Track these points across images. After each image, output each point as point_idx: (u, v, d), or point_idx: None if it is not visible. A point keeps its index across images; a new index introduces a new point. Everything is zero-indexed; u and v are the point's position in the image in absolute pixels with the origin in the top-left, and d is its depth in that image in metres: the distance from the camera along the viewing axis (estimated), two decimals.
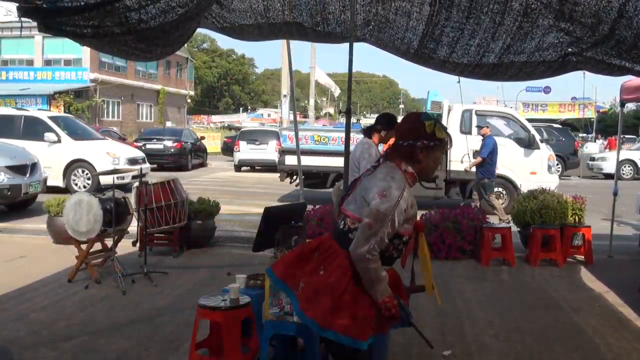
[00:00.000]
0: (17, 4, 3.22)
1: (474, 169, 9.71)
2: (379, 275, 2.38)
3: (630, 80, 7.36)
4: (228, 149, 24.92)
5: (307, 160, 11.30)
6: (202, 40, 75.51)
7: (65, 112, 25.87)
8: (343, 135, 10.71)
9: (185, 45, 20.18)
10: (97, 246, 5.95)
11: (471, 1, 4.09)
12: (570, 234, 7.28)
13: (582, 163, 21.54)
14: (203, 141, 24.38)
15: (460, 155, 11.02)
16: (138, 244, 6.50)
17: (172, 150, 20.34)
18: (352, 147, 5.29)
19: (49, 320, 4.61)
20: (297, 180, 12.28)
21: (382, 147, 5.15)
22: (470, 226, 7.14)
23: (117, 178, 11.30)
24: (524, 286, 6.11)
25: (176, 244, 6.93)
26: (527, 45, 4.39)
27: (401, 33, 4.77)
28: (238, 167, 20.92)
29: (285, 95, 27.75)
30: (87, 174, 12.53)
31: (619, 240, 8.06)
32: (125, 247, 6.54)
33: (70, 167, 12.63)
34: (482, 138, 9.96)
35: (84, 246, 5.72)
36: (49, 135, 12.60)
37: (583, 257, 7.27)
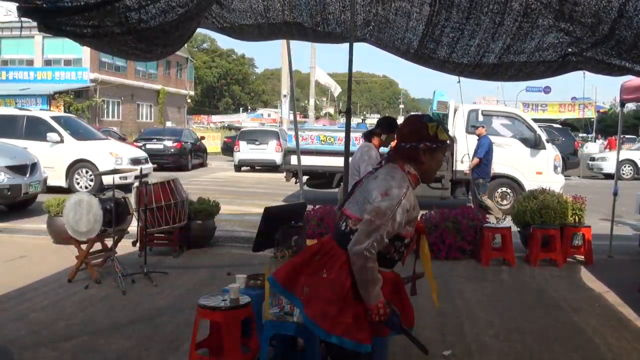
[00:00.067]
0: (17, 4, 3.22)
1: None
2: (375, 276, 2.35)
3: (630, 80, 7.36)
4: (228, 149, 24.92)
5: (313, 161, 11.33)
6: (202, 40, 75.54)
7: (65, 112, 25.86)
8: (351, 135, 10.78)
9: (185, 45, 20.17)
10: (97, 246, 5.95)
11: (471, 1, 4.09)
12: (570, 234, 7.28)
13: (582, 163, 21.54)
14: (203, 141, 24.39)
15: (461, 156, 11.06)
16: (138, 244, 6.50)
17: (172, 150, 20.34)
18: (352, 148, 5.29)
19: (49, 320, 4.61)
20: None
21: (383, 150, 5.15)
22: (470, 226, 7.14)
23: (120, 178, 11.35)
24: (524, 286, 6.11)
25: (176, 244, 6.93)
26: (527, 46, 4.39)
27: (401, 33, 4.77)
28: (238, 167, 20.92)
29: (285, 95, 27.77)
30: (89, 174, 12.54)
31: (619, 240, 8.06)
32: (125, 247, 6.55)
33: (73, 167, 12.64)
34: (477, 138, 9.97)
35: (84, 246, 5.72)
36: (51, 135, 12.61)
37: (583, 257, 7.27)
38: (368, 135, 5.35)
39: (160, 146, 20.28)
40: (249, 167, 21.23)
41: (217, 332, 3.50)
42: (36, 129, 12.71)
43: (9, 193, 9.26)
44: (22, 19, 3.26)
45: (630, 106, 42.15)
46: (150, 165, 13.91)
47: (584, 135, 41.31)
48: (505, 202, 11.20)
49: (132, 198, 6.32)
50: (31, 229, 8.42)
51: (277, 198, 12.48)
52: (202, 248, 7.29)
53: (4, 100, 27.13)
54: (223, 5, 4.61)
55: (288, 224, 3.62)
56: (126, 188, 10.05)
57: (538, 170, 11.20)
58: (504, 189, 11.20)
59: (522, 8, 4.03)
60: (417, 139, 2.48)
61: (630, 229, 9.72)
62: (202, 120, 60.67)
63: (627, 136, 32.20)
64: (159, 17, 3.85)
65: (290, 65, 8.21)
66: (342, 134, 11.59)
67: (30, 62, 33.95)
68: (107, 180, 11.17)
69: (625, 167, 20.62)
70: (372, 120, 46.60)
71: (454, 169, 11.23)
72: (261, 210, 3.76)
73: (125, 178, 11.72)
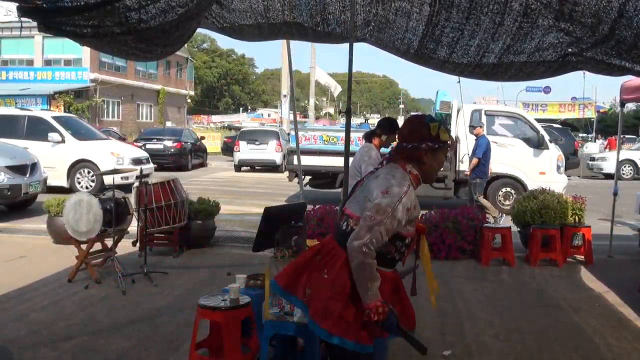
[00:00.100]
0: (17, 4, 3.22)
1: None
2: (373, 273, 2.32)
3: (630, 80, 7.36)
4: (228, 149, 24.93)
5: (316, 161, 11.36)
6: (202, 40, 75.55)
7: (65, 112, 25.87)
8: (353, 135, 10.80)
9: (185, 45, 20.18)
10: (97, 246, 5.95)
11: (471, 2, 4.08)
12: (570, 234, 7.28)
13: (582, 163, 21.54)
14: (203, 141, 24.39)
15: (461, 156, 11.07)
16: (138, 244, 6.50)
17: (172, 150, 20.35)
18: (355, 148, 5.31)
19: (49, 320, 4.61)
20: (305, 180, 12.32)
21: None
22: (470, 226, 7.14)
23: (122, 178, 11.35)
24: (524, 286, 6.11)
25: (176, 244, 6.93)
26: (527, 46, 4.39)
27: (401, 33, 4.76)
28: (238, 167, 20.92)
29: (285, 95, 27.78)
30: (91, 174, 12.54)
31: (619, 240, 8.06)
32: (125, 247, 6.55)
33: (74, 168, 12.64)
34: (475, 138, 9.97)
35: (84, 246, 5.72)
36: (52, 136, 12.61)
37: (583, 257, 7.27)
38: (369, 136, 5.37)
39: (160, 146, 20.28)
40: (249, 167, 21.23)
41: (217, 332, 3.50)
42: (37, 129, 12.71)
43: (9, 193, 9.26)
44: (22, 19, 3.26)
45: (630, 106, 42.18)
46: (151, 165, 13.92)
47: (584, 135, 41.32)
48: (508, 202, 11.19)
49: (132, 198, 6.32)
50: (31, 229, 8.42)
51: (277, 198, 12.48)
52: (202, 248, 7.29)
53: (4, 100, 27.15)
54: (223, 5, 4.61)
55: (288, 224, 3.62)
56: (126, 188, 10.06)
57: (541, 171, 11.20)
58: (507, 189, 11.20)
59: (522, 8, 4.02)
60: (419, 139, 2.48)
61: (628, 228, 9.71)
62: (202, 120, 60.66)
63: (627, 136, 32.20)
64: (159, 17, 3.85)
65: (290, 65, 8.20)
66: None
67: (30, 62, 33.95)
68: (108, 180, 11.17)
69: (625, 167, 20.63)
70: (373, 120, 46.59)
71: (457, 169, 11.23)
72: (261, 210, 3.76)
73: (127, 178, 11.72)
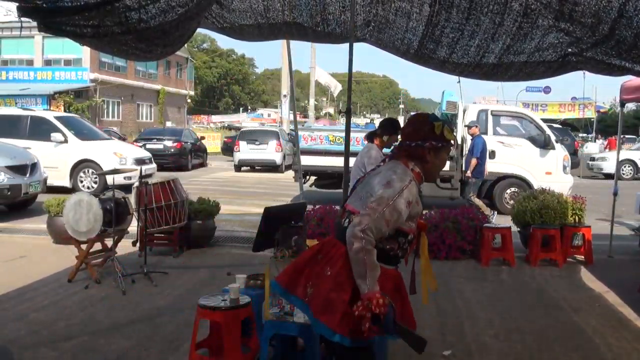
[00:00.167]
0: (17, 4, 3.22)
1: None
2: (372, 261, 2.27)
3: (630, 80, 7.36)
4: (228, 149, 24.93)
5: (322, 161, 11.36)
6: (202, 40, 75.54)
7: (65, 112, 25.87)
8: (358, 135, 10.83)
9: (185, 45, 20.18)
10: (97, 246, 5.95)
11: (471, 2, 4.09)
12: (570, 234, 7.28)
13: (582, 163, 21.54)
14: (203, 141, 24.39)
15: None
16: (138, 244, 6.50)
17: (172, 150, 20.34)
18: (358, 148, 5.32)
19: (49, 320, 4.61)
20: (310, 180, 12.32)
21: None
22: (470, 226, 7.14)
23: (125, 178, 11.36)
24: (524, 286, 6.11)
25: (176, 244, 6.93)
26: (527, 46, 4.39)
27: (401, 34, 4.77)
28: (238, 167, 20.92)
29: (285, 95, 27.79)
30: (94, 174, 12.55)
31: (619, 240, 8.07)
32: (125, 247, 6.55)
33: (77, 168, 12.64)
34: (471, 138, 9.96)
35: (84, 246, 5.72)
36: (55, 136, 12.61)
37: (583, 257, 7.27)
38: (370, 136, 5.41)
39: (160, 146, 20.28)
40: (249, 167, 21.23)
41: (217, 332, 3.50)
42: (40, 129, 12.71)
43: (9, 193, 9.26)
44: (22, 19, 3.26)
45: (630, 106, 42.18)
46: (153, 165, 13.93)
47: (584, 135, 41.31)
48: (514, 202, 11.21)
49: (132, 198, 6.32)
50: (31, 229, 8.42)
51: (277, 198, 12.48)
52: (202, 248, 7.29)
53: (4, 100, 27.15)
54: (223, 5, 4.61)
55: (288, 224, 3.62)
56: (127, 188, 10.06)
57: (547, 171, 11.18)
58: (513, 189, 11.19)
59: (522, 8, 4.03)
60: (423, 138, 2.48)
61: (626, 229, 9.70)
62: (202, 120, 60.64)
63: (627, 136, 32.20)
64: (159, 17, 3.85)
65: (290, 65, 8.21)
66: (352, 134, 11.58)
67: (30, 62, 33.95)
68: (112, 180, 11.18)
69: (625, 167, 20.63)
70: (377, 121, 46.60)
71: (463, 169, 11.25)
72: (261, 210, 3.76)
73: (130, 178, 11.72)
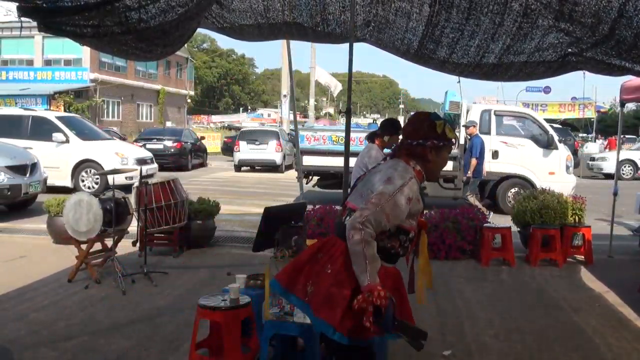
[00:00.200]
0: (17, 4, 3.22)
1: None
2: (372, 252, 2.25)
3: (630, 80, 7.36)
4: (228, 149, 24.93)
5: (326, 161, 11.37)
6: (202, 40, 75.56)
7: (65, 112, 25.88)
8: (361, 135, 10.83)
9: (185, 45, 20.18)
10: (97, 246, 5.95)
11: (471, 2, 4.09)
12: (570, 234, 7.28)
13: (582, 163, 21.54)
14: (203, 141, 24.39)
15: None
16: (138, 244, 6.50)
17: (172, 150, 20.34)
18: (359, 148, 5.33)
19: (49, 320, 4.61)
20: (313, 181, 12.32)
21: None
22: (470, 226, 7.14)
23: (126, 178, 11.36)
24: (524, 286, 6.11)
25: (176, 244, 6.93)
26: (527, 46, 4.39)
27: (401, 34, 4.77)
28: (238, 167, 20.92)
29: (285, 95, 27.79)
30: (95, 174, 12.55)
31: (619, 240, 8.07)
32: (125, 247, 6.55)
33: (79, 168, 12.64)
34: (469, 138, 9.95)
35: (84, 246, 5.72)
36: (57, 136, 12.60)
37: (583, 257, 7.27)
38: (371, 137, 5.43)
39: (160, 146, 20.27)
40: (249, 167, 21.23)
41: (217, 332, 3.50)
42: (41, 129, 12.71)
43: (9, 193, 9.26)
44: (22, 18, 3.26)
45: (630, 106, 42.19)
46: (155, 165, 13.94)
47: (584, 135, 41.33)
48: (514, 202, 11.22)
49: (132, 198, 6.32)
50: (31, 229, 8.42)
51: (277, 198, 12.47)
52: (202, 248, 7.29)
53: (4, 100, 27.14)
54: (223, 5, 4.61)
55: (288, 224, 3.62)
56: (128, 188, 10.07)
57: (551, 171, 11.18)
58: (516, 189, 11.19)
59: (522, 8, 4.03)
60: (424, 137, 2.47)
61: (624, 229, 9.69)
62: (202, 120, 60.64)
63: (627, 136, 32.22)
64: (159, 17, 3.85)
65: (290, 65, 8.22)
66: (355, 134, 11.53)
67: (30, 62, 33.95)
68: (115, 179, 11.15)
69: (625, 167, 20.63)
70: (369, 120, 46.60)
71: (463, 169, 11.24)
72: (261, 210, 3.76)
73: (132, 178, 11.72)
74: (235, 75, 79.89)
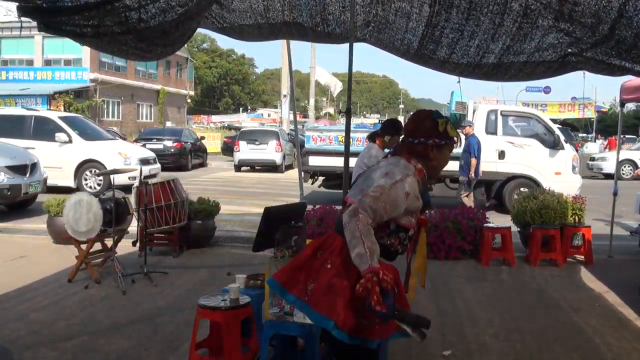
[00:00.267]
0: (17, 4, 3.22)
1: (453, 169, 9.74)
2: (371, 241, 2.20)
3: (630, 80, 7.36)
4: (228, 149, 24.93)
5: (332, 161, 11.34)
6: (202, 40, 75.56)
7: (65, 112, 25.88)
8: (366, 135, 10.79)
9: (185, 45, 20.18)
10: (97, 246, 5.95)
11: (471, 2, 4.09)
12: (570, 234, 7.28)
13: (582, 163, 21.51)
14: (203, 141, 24.39)
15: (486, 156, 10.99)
16: (138, 244, 6.49)
17: (172, 150, 20.34)
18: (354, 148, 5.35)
19: (49, 320, 4.61)
20: (319, 181, 12.31)
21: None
22: (470, 226, 7.14)
23: (129, 178, 11.36)
24: (524, 286, 6.11)
25: (176, 244, 6.93)
26: (526, 46, 4.39)
27: (401, 34, 4.77)
28: (238, 167, 20.92)
29: (285, 95, 27.77)
30: (97, 174, 12.56)
31: (619, 240, 8.06)
32: (125, 247, 6.54)
33: (82, 168, 12.65)
34: (465, 137, 9.94)
35: (84, 246, 5.72)
36: (59, 136, 12.60)
37: (583, 257, 7.27)
38: (372, 136, 5.46)
39: (160, 146, 20.26)
40: (249, 167, 21.23)
41: (217, 332, 3.50)
42: (44, 129, 12.71)
43: (9, 193, 9.26)
44: (22, 18, 3.26)
45: (630, 106, 42.19)
46: (158, 165, 13.93)
47: (584, 135, 41.34)
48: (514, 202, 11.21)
49: (132, 198, 6.32)
50: (31, 229, 8.42)
51: (277, 198, 12.47)
52: (202, 248, 7.29)
53: (4, 100, 27.16)
54: (223, 5, 4.61)
55: (288, 224, 3.62)
56: (129, 188, 10.06)
57: (557, 171, 11.18)
58: (522, 189, 11.18)
59: (521, 9, 4.02)
60: (426, 135, 2.47)
61: (628, 229, 9.70)
62: (202, 120, 60.64)
63: (627, 136, 32.20)
64: (159, 17, 3.85)
65: (290, 65, 8.21)
66: (360, 134, 11.51)
67: (30, 62, 33.96)
68: (118, 180, 11.15)
69: (625, 167, 20.63)
70: (374, 120, 46.65)
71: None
72: (261, 210, 3.76)
73: (134, 178, 11.71)
74: (235, 75, 79.89)
